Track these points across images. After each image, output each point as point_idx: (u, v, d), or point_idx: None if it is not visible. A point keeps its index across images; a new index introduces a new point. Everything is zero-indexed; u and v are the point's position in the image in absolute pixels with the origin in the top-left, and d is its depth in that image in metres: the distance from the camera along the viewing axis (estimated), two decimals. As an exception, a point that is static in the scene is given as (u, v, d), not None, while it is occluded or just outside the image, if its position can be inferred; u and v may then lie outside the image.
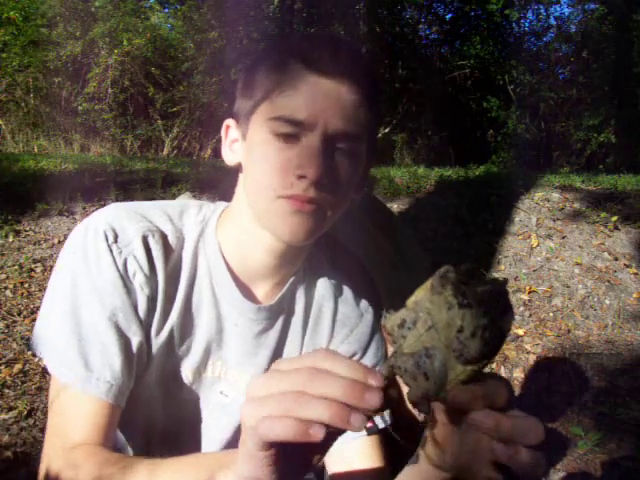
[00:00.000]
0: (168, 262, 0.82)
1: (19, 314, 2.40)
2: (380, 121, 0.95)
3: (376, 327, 0.97)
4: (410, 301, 0.50)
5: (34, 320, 2.33)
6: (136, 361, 0.80)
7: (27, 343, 2.19)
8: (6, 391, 1.98)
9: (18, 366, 2.10)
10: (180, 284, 0.83)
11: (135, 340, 0.79)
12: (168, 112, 7.78)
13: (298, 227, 0.77)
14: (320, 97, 0.73)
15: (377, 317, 0.98)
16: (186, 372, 0.87)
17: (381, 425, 0.92)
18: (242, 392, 0.89)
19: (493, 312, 0.47)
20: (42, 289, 2.57)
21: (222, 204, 0.91)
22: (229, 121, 0.86)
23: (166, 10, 9.83)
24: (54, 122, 6.87)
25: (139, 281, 0.79)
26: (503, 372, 2.54)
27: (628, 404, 2.32)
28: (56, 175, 3.59)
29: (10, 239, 2.85)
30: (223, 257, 0.85)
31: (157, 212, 0.84)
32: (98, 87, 7.29)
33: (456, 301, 0.47)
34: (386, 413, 0.93)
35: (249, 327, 0.88)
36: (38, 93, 7.21)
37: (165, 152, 7.07)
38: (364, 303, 0.99)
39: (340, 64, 0.74)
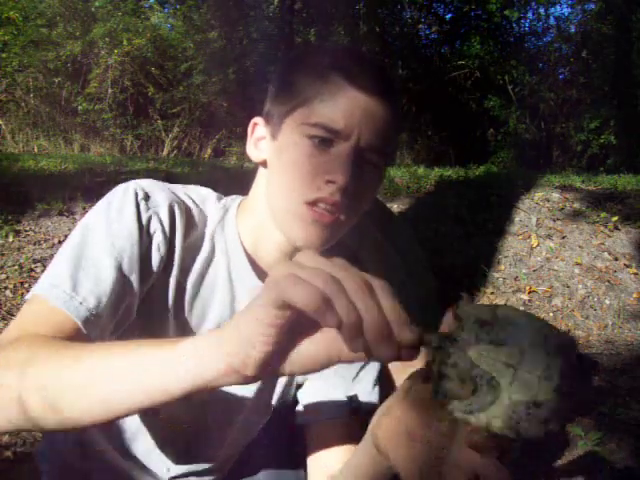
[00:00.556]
0: (189, 235, 0.84)
1: (19, 314, 2.40)
2: (397, 142, 1.00)
3: None
4: (508, 315, 0.43)
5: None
6: (122, 312, 0.78)
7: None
8: (6, 391, 1.98)
9: (18, 366, 2.10)
10: (197, 261, 0.85)
11: (130, 287, 0.77)
12: (168, 112, 7.78)
13: (314, 237, 0.80)
14: (358, 111, 0.78)
15: None
16: None
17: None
18: None
19: (570, 410, 0.41)
20: (42, 289, 2.56)
21: (239, 197, 0.93)
22: (257, 119, 0.89)
23: (166, 10, 9.85)
24: (54, 122, 6.86)
25: (158, 240, 0.80)
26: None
27: (628, 404, 2.32)
28: (56, 175, 3.58)
29: (10, 239, 2.85)
30: (241, 242, 0.87)
31: (182, 194, 0.87)
32: (98, 87, 7.29)
33: (557, 380, 0.40)
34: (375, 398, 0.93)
35: None
36: (38, 93, 7.20)
37: (165, 152, 7.06)
38: None
39: (379, 83, 0.80)
